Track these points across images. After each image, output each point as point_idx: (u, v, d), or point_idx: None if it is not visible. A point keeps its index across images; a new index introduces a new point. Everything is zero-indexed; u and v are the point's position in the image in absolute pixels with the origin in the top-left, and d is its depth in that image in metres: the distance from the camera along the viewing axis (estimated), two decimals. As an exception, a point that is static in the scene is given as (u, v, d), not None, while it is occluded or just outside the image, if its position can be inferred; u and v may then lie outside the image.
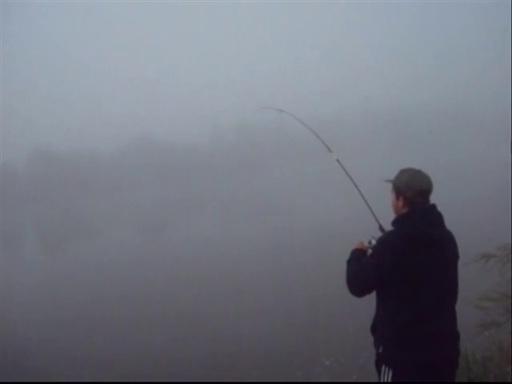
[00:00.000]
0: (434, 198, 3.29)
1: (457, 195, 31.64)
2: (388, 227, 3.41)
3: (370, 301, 3.48)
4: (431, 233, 3.13)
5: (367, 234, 3.67)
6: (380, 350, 3.25)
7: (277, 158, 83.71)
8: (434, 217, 3.23)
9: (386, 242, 3.24)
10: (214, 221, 43.43)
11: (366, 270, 3.25)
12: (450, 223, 3.29)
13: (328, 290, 16.22)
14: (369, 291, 3.30)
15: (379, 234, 3.53)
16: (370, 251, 3.51)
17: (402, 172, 3.36)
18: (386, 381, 3.19)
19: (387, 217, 3.42)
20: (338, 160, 4.32)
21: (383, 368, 3.21)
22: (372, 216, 3.82)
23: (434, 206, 3.27)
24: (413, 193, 3.23)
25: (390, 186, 3.45)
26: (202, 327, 15.62)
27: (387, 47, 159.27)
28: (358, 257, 3.48)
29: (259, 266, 22.22)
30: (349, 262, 3.51)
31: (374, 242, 3.53)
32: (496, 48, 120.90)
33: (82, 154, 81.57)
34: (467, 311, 3.93)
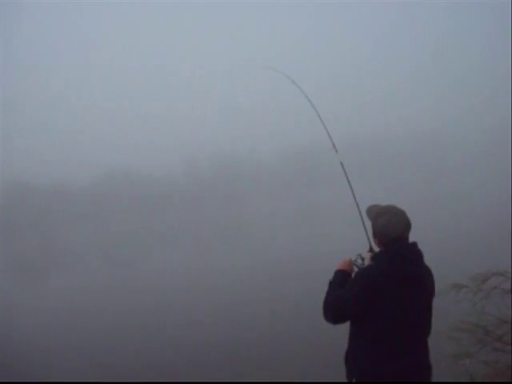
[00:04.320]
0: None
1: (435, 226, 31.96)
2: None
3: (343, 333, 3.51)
4: (408, 270, 3.18)
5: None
6: (353, 381, 3.26)
7: (252, 190, 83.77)
8: (412, 254, 3.27)
9: (363, 277, 3.25)
10: (189, 252, 43.21)
11: (340, 303, 3.27)
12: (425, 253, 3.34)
13: (298, 321, 16.35)
14: (342, 322, 3.33)
15: (366, 254, 3.55)
16: (355, 269, 3.53)
17: (380, 214, 3.37)
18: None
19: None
20: (341, 163, 4.24)
21: (356, 400, 3.22)
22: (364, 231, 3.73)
23: (414, 244, 3.31)
24: (388, 239, 3.27)
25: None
26: (177, 356, 15.57)
27: (378, 74, 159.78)
28: (339, 282, 3.46)
29: (234, 297, 22.23)
30: (330, 283, 3.50)
31: (360, 261, 3.58)
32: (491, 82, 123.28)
33: (57, 185, 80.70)
34: (439, 341, 3.97)
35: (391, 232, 3.26)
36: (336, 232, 38.03)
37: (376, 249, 3.45)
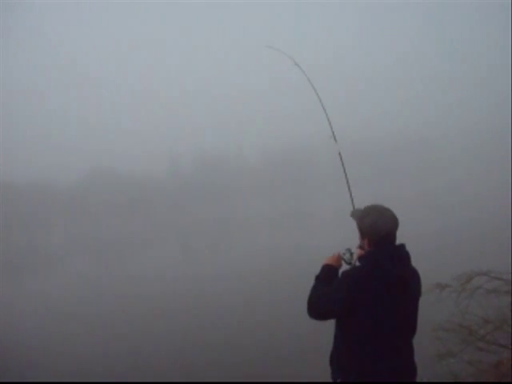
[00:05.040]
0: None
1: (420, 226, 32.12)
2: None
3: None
4: (395, 272, 3.14)
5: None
6: (338, 381, 3.23)
7: (237, 189, 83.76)
8: (400, 256, 3.24)
9: (349, 278, 3.21)
10: (174, 250, 43.19)
11: (325, 302, 3.24)
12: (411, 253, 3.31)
13: (284, 319, 16.37)
14: (324, 319, 3.31)
15: (356, 250, 3.48)
16: (343, 266, 3.49)
17: (366, 213, 3.34)
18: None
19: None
20: (340, 154, 4.16)
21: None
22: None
23: (402, 246, 3.28)
24: (378, 237, 3.23)
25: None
26: (160, 358, 15.48)
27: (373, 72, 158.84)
28: (326, 277, 3.43)
29: (220, 294, 22.30)
30: (317, 278, 3.46)
31: (348, 255, 3.53)
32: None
33: (40, 184, 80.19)
34: (423, 341, 3.96)
35: (381, 229, 3.23)
36: (323, 230, 38.13)
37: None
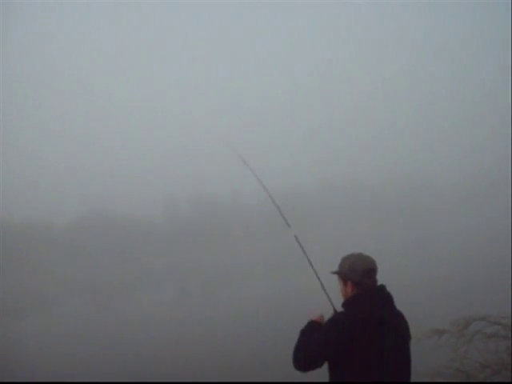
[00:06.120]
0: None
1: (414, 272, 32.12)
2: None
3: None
4: (381, 313, 3.18)
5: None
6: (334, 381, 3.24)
7: (233, 232, 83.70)
8: (383, 297, 3.29)
9: (335, 322, 3.24)
10: (169, 295, 42.90)
11: (311, 346, 3.24)
12: (403, 299, 3.35)
13: (279, 366, 16.20)
14: (312, 368, 3.27)
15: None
16: None
17: (344, 259, 3.42)
18: None
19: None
20: (295, 236, 4.17)
21: None
22: (327, 298, 3.69)
23: (383, 287, 3.33)
24: (359, 274, 3.28)
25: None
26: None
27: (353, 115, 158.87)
28: (311, 330, 3.42)
29: (214, 341, 22.12)
30: (302, 332, 3.46)
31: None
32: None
33: (36, 225, 79.93)
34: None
35: (360, 266, 3.30)
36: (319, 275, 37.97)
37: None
